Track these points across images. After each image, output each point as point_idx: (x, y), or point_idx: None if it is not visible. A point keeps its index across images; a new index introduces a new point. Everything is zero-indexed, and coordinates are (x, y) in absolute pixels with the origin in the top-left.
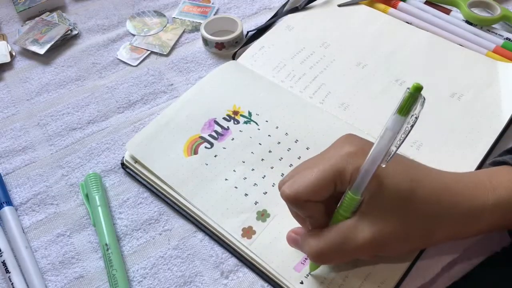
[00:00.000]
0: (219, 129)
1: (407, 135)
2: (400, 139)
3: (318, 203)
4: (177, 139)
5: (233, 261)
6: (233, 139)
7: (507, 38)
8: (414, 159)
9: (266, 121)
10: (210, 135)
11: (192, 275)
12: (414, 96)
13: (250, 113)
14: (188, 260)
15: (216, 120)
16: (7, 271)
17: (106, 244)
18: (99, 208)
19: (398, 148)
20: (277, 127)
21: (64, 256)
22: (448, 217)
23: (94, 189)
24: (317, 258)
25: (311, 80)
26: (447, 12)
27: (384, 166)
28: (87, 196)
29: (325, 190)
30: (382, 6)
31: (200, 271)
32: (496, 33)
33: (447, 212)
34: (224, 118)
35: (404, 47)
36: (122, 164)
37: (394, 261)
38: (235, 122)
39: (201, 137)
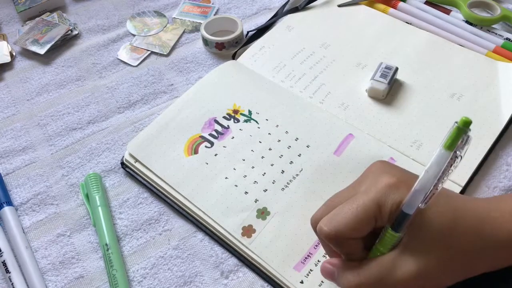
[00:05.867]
0: (219, 128)
1: (447, 174)
2: (441, 177)
3: (358, 240)
4: (177, 139)
5: (233, 261)
6: (233, 137)
7: (507, 38)
8: (414, 159)
9: (266, 119)
10: (210, 135)
11: (192, 275)
12: (462, 131)
13: (250, 112)
14: (188, 260)
15: (216, 119)
16: (7, 271)
17: (106, 244)
18: (99, 208)
19: (435, 188)
20: (277, 126)
21: (64, 256)
22: (490, 246)
23: (94, 189)
24: None
25: (311, 80)
26: (447, 12)
27: (422, 207)
28: (87, 196)
29: (366, 227)
30: (382, 6)
31: (200, 271)
32: (496, 33)
33: (489, 240)
34: (224, 117)
35: (404, 47)
36: (122, 164)
37: None
38: (235, 121)
39: (202, 137)
